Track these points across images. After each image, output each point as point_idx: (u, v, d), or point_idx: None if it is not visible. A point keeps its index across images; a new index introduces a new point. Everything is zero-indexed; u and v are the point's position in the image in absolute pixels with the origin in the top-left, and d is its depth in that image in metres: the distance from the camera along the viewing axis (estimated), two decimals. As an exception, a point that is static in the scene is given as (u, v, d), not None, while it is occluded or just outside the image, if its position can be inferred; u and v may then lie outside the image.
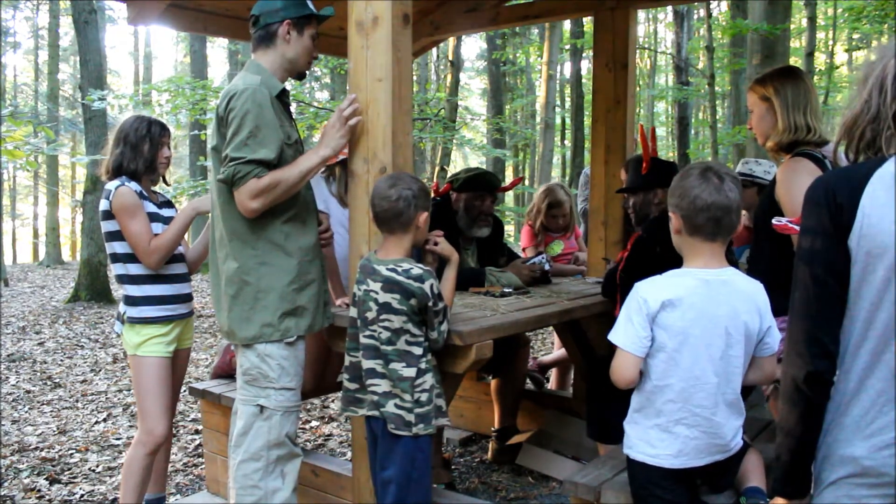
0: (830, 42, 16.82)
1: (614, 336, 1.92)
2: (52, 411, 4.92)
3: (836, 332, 1.34)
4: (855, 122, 1.36)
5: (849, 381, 1.34)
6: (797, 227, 1.87)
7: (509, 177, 21.49)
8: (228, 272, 2.39)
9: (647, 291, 1.88)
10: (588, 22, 13.49)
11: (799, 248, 1.38)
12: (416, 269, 2.18)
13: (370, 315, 2.21)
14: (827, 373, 1.33)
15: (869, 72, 1.37)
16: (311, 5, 2.45)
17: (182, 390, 3.50)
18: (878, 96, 1.33)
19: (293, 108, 10.49)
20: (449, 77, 14.78)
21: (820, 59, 17.03)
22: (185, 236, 2.90)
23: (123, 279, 2.79)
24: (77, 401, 5.18)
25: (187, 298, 2.91)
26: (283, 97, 2.46)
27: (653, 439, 1.90)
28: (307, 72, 2.57)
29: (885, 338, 1.29)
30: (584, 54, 15.71)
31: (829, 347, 1.33)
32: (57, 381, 5.74)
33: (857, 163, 1.35)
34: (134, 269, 2.76)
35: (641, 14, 17.46)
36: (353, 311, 2.33)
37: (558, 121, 19.03)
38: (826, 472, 1.37)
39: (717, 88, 13.81)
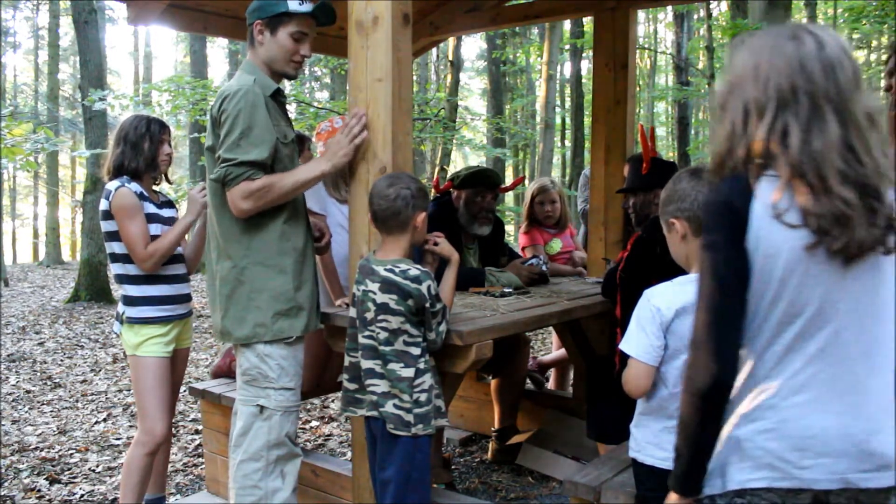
0: (830, 42, 16.79)
1: (626, 346, 1.89)
2: (52, 411, 4.92)
3: (738, 336, 1.35)
4: (726, 153, 1.38)
5: (741, 373, 1.38)
6: None
7: (509, 177, 21.49)
8: (223, 272, 2.40)
9: (660, 300, 1.85)
10: (588, 22, 13.48)
11: (702, 253, 1.39)
12: (414, 270, 2.18)
13: (369, 315, 2.21)
14: (732, 379, 1.35)
15: (726, 100, 1.40)
16: (288, 4, 2.36)
17: (182, 390, 3.51)
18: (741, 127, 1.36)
19: (292, 107, 10.48)
20: (449, 77, 14.77)
21: (820, 59, 16.99)
22: (185, 235, 2.90)
23: (122, 279, 2.79)
24: (77, 401, 5.18)
25: (186, 299, 2.91)
26: (278, 96, 2.45)
27: (663, 442, 1.88)
28: (294, 72, 2.46)
29: (775, 332, 1.34)
30: (584, 54, 15.70)
31: (733, 353, 1.35)
32: (57, 381, 5.74)
33: (742, 172, 1.37)
34: (133, 269, 2.76)
35: (641, 14, 17.45)
36: (352, 312, 2.33)
37: (558, 121, 19.01)
38: (716, 455, 1.40)
39: (717, 88, 13.76)
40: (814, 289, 1.31)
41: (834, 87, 1.30)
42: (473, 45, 24.25)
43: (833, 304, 1.32)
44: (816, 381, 1.33)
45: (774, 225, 1.30)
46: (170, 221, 2.85)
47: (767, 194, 1.32)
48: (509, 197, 20.81)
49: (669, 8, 13.50)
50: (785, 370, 1.34)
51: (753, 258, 1.33)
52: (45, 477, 3.71)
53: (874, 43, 16.49)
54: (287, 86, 13.26)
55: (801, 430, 1.32)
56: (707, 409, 1.36)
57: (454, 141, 13.75)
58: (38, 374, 5.99)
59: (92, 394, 5.36)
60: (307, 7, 2.40)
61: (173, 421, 3.39)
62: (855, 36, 15.14)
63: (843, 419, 1.32)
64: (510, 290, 3.18)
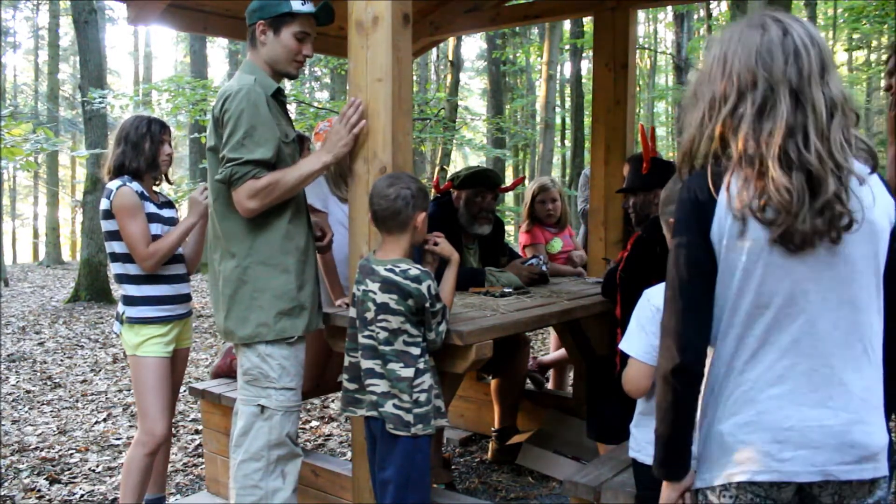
0: (830, 42, 16.83)
1: (627, 346, 1.89)
2: (52, 411, 4.92)
3: (703, 325, 1.37)
4: (693, 145, 1.39)
5: (720, 366, 1.40)
6: None
7: (509, 177, 21.49)
8: (225, 272, 2.40)
9: (660, 299, 1.84)
10: (588, 22, 13.48)
11: (671, 247, 1.41)
12: (414, 270, 2.18)
13: (369, 315, 2.21)
14: (695, 365, 1.37)
15: (696, 91, 1.41)
16: (291, 4, 2.37)
17: (182, 390, 3.51)
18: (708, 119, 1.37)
19: (293, 107, 10.47)
20: (449, 77, 14.77)
21: (820, 59, 16.97)
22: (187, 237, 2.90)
23: (122, 279, 2.79)
24: (77, 401, 5.18)
25: (186, 299, 2.91)
26: (278, 96, 2.45)
27: None
28: (296, 72, 2.47)
29: (746, 324, 1.35)
30: (584, 54, 15.70)
31: (695, 341, 1.37)
32: (57, 381, 5.74)
33: (706, 165, 1.38)
34: (133, 268, 2.76)
35: (641, 14, 17.44)
36: (352, 312, 2.33)
37: (558, 121, 19.01)
38: (704, 450, 1.42)
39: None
40: (780, 280, 1.31)
41: (795, 73, 1.30)
42: (473, 45, 24.26)
43: (803, 295, 1.31)
44: (793, 373, 1.33)
45: (734, 216, 1.31)
46: (170, 221, 2.85)
47: (727, 185, 1.33)
48: (509, 197, 20.80)
49: (669, 8, 13.52)
50: (761, 362, 1.34)
51: (718, 250, 1.34)
52: (45, 477, 3.71)
53: (874, 43, 16.48)
54: (287, 86, 13.26)
55: (779, 423, 1.32)
56: (674, 390, 1.37)
57: (454, 141, 13.75)
58: (38, 374, 5.99)
59: (92, 394, 5.36)
60: (310, 7, 2.40)
61: (173, 421, 3.39)
62: (855, 36, 15.14)
63: (820, 411, 1.32)
64: (510, 290, 3.18)
